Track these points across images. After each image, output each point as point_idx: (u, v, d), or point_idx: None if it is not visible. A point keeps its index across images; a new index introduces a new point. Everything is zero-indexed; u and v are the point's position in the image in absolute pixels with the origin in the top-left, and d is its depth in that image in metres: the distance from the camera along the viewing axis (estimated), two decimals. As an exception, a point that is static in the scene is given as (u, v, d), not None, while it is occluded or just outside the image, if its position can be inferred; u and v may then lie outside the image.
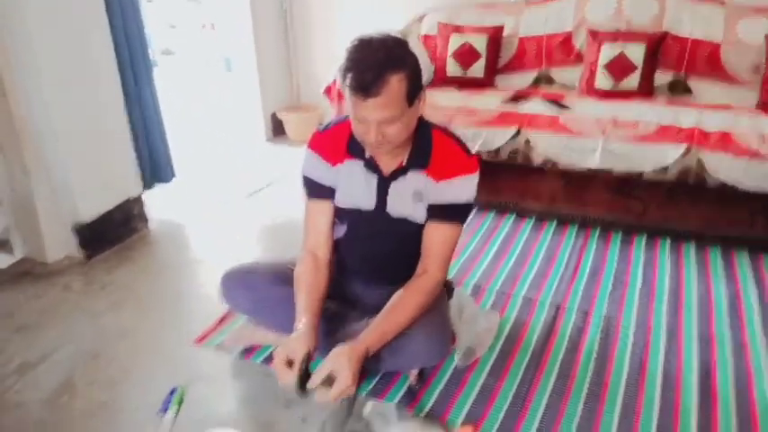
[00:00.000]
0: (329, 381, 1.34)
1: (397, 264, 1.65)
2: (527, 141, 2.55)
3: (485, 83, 3.11)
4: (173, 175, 3.03)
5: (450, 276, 1.68)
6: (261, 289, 1.68)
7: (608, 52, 2.80)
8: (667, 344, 1.90)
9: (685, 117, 2.47)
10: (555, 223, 2.71)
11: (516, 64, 3.16)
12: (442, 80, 3.15)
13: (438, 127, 1.56)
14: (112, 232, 2.56)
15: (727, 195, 2.34)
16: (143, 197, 2.73)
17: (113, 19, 2.46)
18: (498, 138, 2.57)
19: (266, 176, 3.35)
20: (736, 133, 2.30)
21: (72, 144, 2.30)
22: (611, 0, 2.96)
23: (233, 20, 3.83)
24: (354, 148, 1.55)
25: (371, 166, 1.55)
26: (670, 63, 2.84)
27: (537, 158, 2.56)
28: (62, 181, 2.33)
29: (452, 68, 3.11)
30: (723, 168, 2.26)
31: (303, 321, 1.45)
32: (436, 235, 1.56)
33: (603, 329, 1.97)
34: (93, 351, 1.90)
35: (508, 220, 2.76)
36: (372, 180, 1.56)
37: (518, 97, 2.86)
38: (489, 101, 2.84)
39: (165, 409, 1.62)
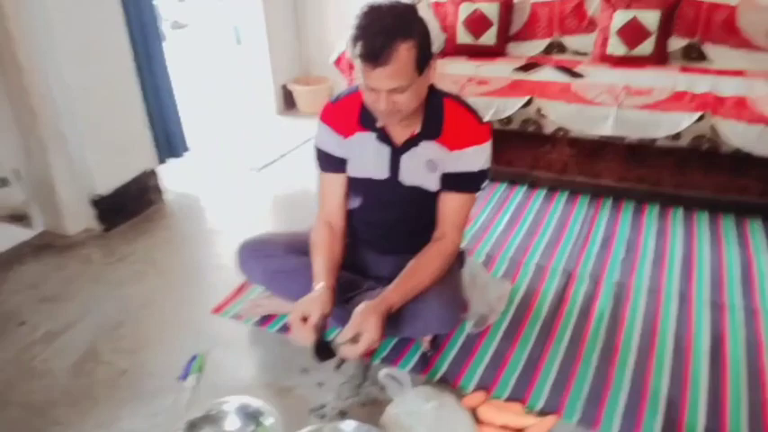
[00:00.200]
0: (354, 338, 1.39)
1: (410, 232, 1.67)
2: (539, 110, 2.54)
3: (496, 51, 3.08)
4: (185, 149, 3.05)
5: (462, 246, 1.70)
6: (276, 259, 1.71)
7: (621, 18, 2.76)
8: (679, 310, 1.92)
9: (700, 83, 2.45)
10: (567, 193, 2.71)
11: (528, 31, 3.13)
12: (452, 49, 3.13)
13: (449, 95, 1.56)
14: (129, 205, 2.60)
15: (741, 163, 2.33)
16: (157, 170, 2.76)
17: (124, -8, 2.46)
18: (510, 106, 2.56)
19: (278, 149, 3.37)
20: (752, 99, 2.28)
21: (87, 118, 2.33)
22: (626, -36, 2.91)
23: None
24: (366, 119, 1.56)
25: (383, 137, 1.56)
26: (685, 28, 2.80)
27: (549, 127, 2.55)
28: (79, 155, 2.36)
29: (463, 37, 3.09)
30: (737, 134, 2.24)
31: (321, 284, 1.49)
32: (452, 204, 1.58)
33: (615, 296, 1.99)
34: (115, 320, 1.96)
35: (519, 191, 2.76)
36: (384, 152, 1.57)
37: (530, 65, 2.84)
38: (501, 69, 2.82)
39: (185, 376, 1.67)
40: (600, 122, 2.43)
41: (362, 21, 1.32)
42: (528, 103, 2.55)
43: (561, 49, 3.09)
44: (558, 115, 2.51)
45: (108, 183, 2.48)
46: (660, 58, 2.78)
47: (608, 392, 1.59)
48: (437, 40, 3.13)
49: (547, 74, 2.74)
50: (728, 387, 1.60)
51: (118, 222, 2.55)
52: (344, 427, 1.37)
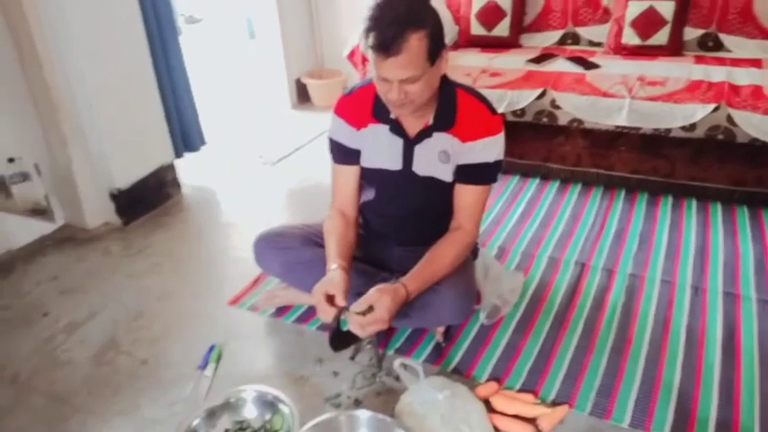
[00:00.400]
0: (366, 312, 1.41)
1: (424, 224, 1.69)
2: (553, 101, 2.53)
3: (510, 42, 3.07)
4: (203, 143, 3.09)
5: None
6: (292, 251, 1.74)
7: (636, 8, 2.74)
8: (692, 302, 1.92)
9: (715, 73, 2.43)
10: (580, 185, 2.71)
11: (542, 22, 3.11)
12: (466, 41, 3.13)
13: (462, 86, 1.57)
14: (148, 198, 2.64)
15: (756, 153, 2.31)
16: (175, 164, 2.80)
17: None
18: (524, 98, 2.56)
19: (293, 142, 3.39)
20: (768, 88, 2.26)
21: (106, 113, 2.37)
22: (641, -47, 2.88)
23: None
24: (380, 112, 1.57)
25: (396, 129, 1.57)
26: (700, 18, 2.77)
27: (563, 118, 2.55)
28: (98, 149, 2.41)
29: (476, 28, 3.08)
30: (753, 125, 2.22)
31: (334, 265, 1.51)
32: (467, 196, 1.59)
33: (628, 287, 2.00)
34: (135, 311, 2.00)
35: (532, 183, 2.76)
36: (398, 144, 1.59)
37: (544, 57, 2.83)
38: (514, 61, 2.82)
39: (204, 366, 1.71)
40: (614, 113, 2.42)
41: (375, 12, 1.33)
42: (542, 95, 2.54)
43: (575, 39, 3.07)
44: (571, 107, 2.50)
45: (127, 177, 2.52)
46: (675, 48, 2.75)
47: (620, 384, 1.60)
48: (450, 32, 3.12)
49: (560, 65, 2.73)
50: (741, 378, 1.60)
51: (136, 216, 2.59)
52: (359, 416, 1.39)
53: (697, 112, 2.29)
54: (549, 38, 3.10)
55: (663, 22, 2.71)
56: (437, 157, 1.57)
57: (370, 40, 1.33)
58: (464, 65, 2.83)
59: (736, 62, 2.62)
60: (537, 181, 2.78)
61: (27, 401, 1.65)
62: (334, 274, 1.49)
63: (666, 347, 1.72)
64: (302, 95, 4.09)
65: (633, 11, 2.75)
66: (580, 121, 2.52)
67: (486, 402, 1.52)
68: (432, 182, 1.60)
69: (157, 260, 2.31)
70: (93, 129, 2.36)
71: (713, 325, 1.81)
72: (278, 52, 3.92)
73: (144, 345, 1.85)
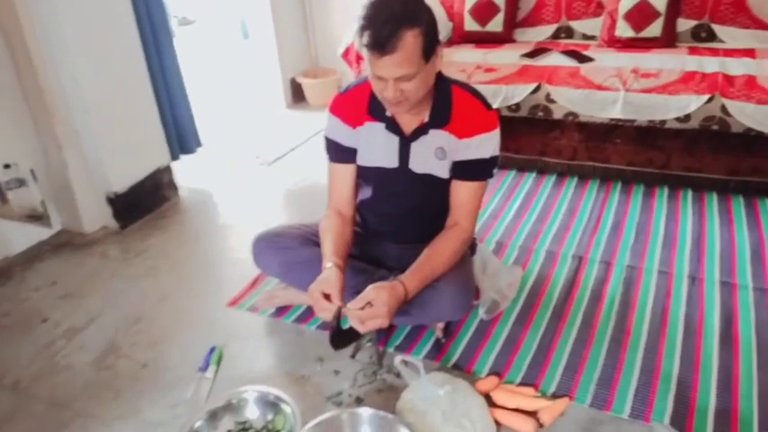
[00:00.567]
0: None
1: (422, 221, 1.69)
2: (548, 95, 2.53)
3: (504, 38, 3.08)
4: (199, 145, 3.09)
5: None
6: (291, 251, 1.74)
7: (629, 0, 2.74)
8: (689, 292, 1.92)
9: (708, 64, 2.44)
10: (576, 178, 2.71)
11: (535, 17, 3.12)
12: (460, 37, 3.13)
13: (457, 82, 1.57)
14: (144, 202, 2.64)
15: (750, 143, 2.32)
16: (172, 166, 2.80)
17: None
18: (518, 93, 2.56)
19: (289, 142, 3.39)
20: (762, 78, 2.27)
21: (101, 117, 2.36)
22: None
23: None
24: (375, 110, 1.57)
25: (392, 127, 1.57)
26: (693, 9, 2.78)
27: (558, 112, 2.55)
28: (94, 153, 2.40)
29: (470, 24, 3.08)
30: (747, 114, 2.23)
31: (329, 264, 1.51)
32: (463, 192, 1.60)
33: (626, 279, 2.00)
34: (135, 315, 2.00)
35: (529, 178, 2.76)
36: (394, 142, 1.59)
37: (538, 51, 2.83)
38: (509, 56, 2.82)
39: (205, 368, 1.71)
40: (609, 106, 2.43)
41: (369, 10, 1.34)
42: (536, 90, 2.54)
43: (569, 33, 3.08)
44: (566, 100, 2.50)
45: (123, 180, 2.52)
46: (668, 39, 2.76)
47: (620, 375, 1.60)
48: (444, 28, 3.12)
49: (555, 59, 2.73)
50: (740, 367, 1.61)
51: (134, 219, 2.59)
52: (361, 414, 1.39)
53: (691, 103, 2.30)
54: (543, 32, 3.11)
55: (656, 14, 2.72)
56: (433, 154, 1.57)
57: (365, 39, 1.33)
58: (459, 61, 2.83)
59: (730, 52, 2.63)
60: (533, 175, 2.78)
61: (28, 408, 1.65)
62: (330, 273, 1.49)
63: (665, 338, 1.73)
64: (297, 95, 4.09)
65: (626, 3, 2.75)
66: (575, 115, 2.52)
67: (487, 397, 1.52)
68: (428, 179, 1.60)
69: (155, 263, 2.31)
70: (89, 133, 2.36)
71: (711, 314, 1.81)
72: (272, 52, 3.91)
73: (144, 348, 1.85)
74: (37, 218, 2.24)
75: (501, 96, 2.58)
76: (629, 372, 1.61)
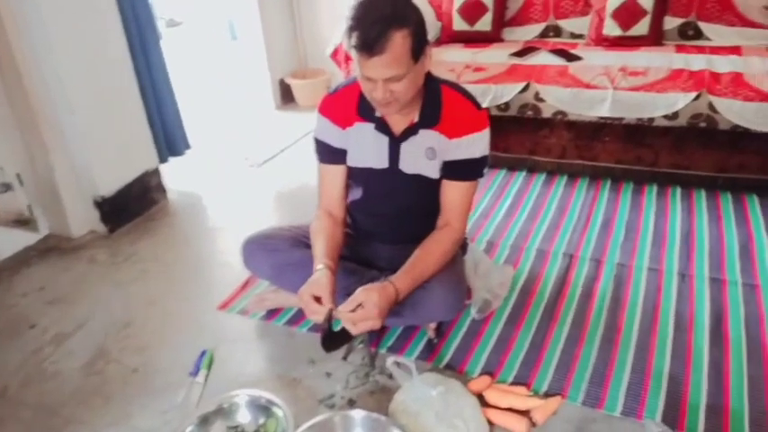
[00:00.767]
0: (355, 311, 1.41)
1: (413, 221, 1.69)
2: (536, 94, 2.54)
3: (492, 37, 3.08)
4: (187, 147, 3.06)
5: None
6: (281, 253, 1.73)
7: (616, -2, 2.76)
8: (679, 288, 1.93)
9: (695, 62, 2.46)
10: (566, 177, 2.72)
11: (524, 16, 3.12)
12: (448, 36, 3.13)
13: (447, 82, 1.57)
14: (133, 205, 2.62)
15: (738, 140, 2.34)
16: (160, 169, 2.78)
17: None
18: (507, 92, 2.57)
19: (278, 144, 3.38)
20: (748, 75, 2.28)
21: (88, 120, 2.34)
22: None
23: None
24: (365, 110, 1.56)
25: (382, 127, 1.57)
26: (680, 7, 2.80)
27: (547, 111, 2.56)
28: (81, 157, 2.38)
29: (459, 24, 3.08)
30: (734, 111, 2.25)
31: (320, 265, 1.50)
32: (454, 192, 1.59)
33: (616, 277, 2.01)
34: (123, 319, 1.98)
35: (519, 176, 2.77)
36: (383, 142, 1.58)
37: (526, 50, 2.84)
38: (497, 55, 2.83)
39: (195, 372, 1.70)
40: (597, 105, 2.44)
41: (358, 11, 1.33)
42: (525, 89, 2.55)
43: (557, 32, 3.08)
44: (555, 99, 2.51)
45: (111, 184, 2.50)
46: (656, 37, 2.78)
47: (611, 372, 1.61)
48: (432, 28, 3.12)
49: (543, 58, 2.74)
50: (730, 363, 1.62)
51: (122, 223, 2.57)
52: (354, 416, 1.39)
53: (679, 101, 2.31)
54: (531, 31, 3.12)
55: (643, 13, 2.73)
56: (424, 155, 1.57)
57: (354, 40, 1.33)
58: (447, 60, 2.83)
59: (716, 50, 2.65)
60: (523, 174, 2.79)
61: (16, 415, 1.63)
62: (321, 275, 1.48)
63: (656, 335, 1.73)
64: (286, 96, 4.07)
65: (614, 2, 2.77)
66: (564, 114, 2.53)
67: (480, 397, 1.52)
68: (418, 179, 1.60)
69: (144, 267, 2.29)
70: (75, 136, 2.34)
71: (701, 311, 1.82)
72: (260, 53, 3.90)
73: (133, 353, 1.83)
74: (24, 222, 2.21)
75: (490, 96, 2.58)
76: (620, 369, 1.62)
